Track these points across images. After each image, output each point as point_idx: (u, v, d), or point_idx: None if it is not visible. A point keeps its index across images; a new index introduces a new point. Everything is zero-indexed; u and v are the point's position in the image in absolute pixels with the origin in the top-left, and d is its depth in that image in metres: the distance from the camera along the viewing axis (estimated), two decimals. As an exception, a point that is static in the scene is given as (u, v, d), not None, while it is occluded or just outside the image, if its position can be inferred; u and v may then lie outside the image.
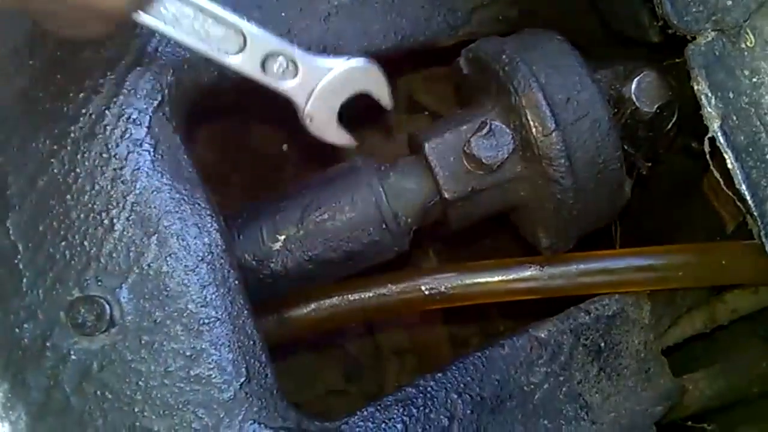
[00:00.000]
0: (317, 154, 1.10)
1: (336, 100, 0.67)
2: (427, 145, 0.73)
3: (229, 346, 0.61)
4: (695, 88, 0.67)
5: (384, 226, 0.73)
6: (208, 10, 0.60)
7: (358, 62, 0.67)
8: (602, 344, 0.75)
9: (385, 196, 0.74)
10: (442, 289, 0.77)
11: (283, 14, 0.74)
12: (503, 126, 0.70)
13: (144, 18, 0.59)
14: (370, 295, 0.78)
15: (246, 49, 0.62)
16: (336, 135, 0.68)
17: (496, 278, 0.77)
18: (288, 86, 0.65)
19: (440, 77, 1.06)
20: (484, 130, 0.70)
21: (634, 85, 0.73)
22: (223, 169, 1.03)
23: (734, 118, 0.66)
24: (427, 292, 0.77)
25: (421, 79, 1.08)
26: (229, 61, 0.62)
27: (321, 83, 0.66)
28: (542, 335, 0.73)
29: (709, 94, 0.66)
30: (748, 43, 0.67)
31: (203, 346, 0.61)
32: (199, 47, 0.61)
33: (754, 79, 0.67)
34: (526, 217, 0.77)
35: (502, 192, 0.73)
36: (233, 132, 1.04)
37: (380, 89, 0.69)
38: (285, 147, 1.09)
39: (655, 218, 0.92)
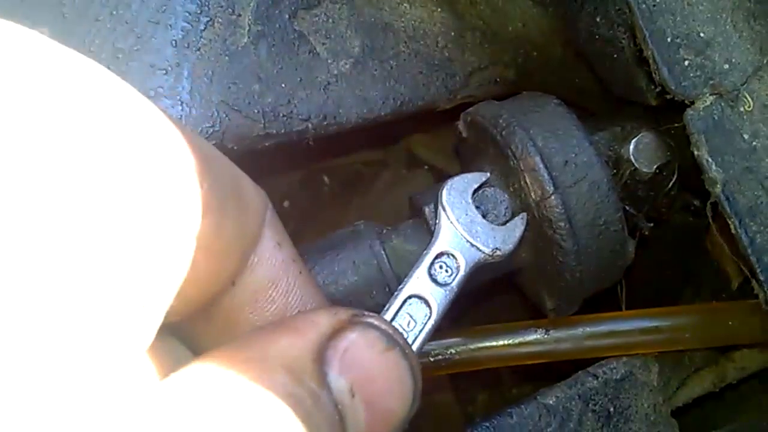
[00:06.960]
0: (320, 210, 1.10)
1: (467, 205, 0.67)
2: (427, 209, 0.73)
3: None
4: (695, 153, 0.66)
5: (387, 289, 0.72)
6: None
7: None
8: (611, 409, 0.74)
9: (387, 259, 0.73)
10: (448, 355, 0.76)
11: (283, 85, 0.74)
12: (502, 190, 0.70)
13: None
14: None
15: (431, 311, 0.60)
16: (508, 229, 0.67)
17: (501, 342, 0.76)
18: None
19: (439, 131, 1.06)
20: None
21: (632, 147, 0.72)
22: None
23: (735, 182, 0.66)
24: (432, 359, 0.76)
25: (420, 133, 1.08)
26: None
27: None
28: (550, 402, 0.72)
29: (710, 160, 0.66)
30: (746, 107, 0.67)
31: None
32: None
33: (754, 143, 0.67)
34: (530, 280, 0.76)
35: (503, 255, 0.73)
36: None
37: None
38: (286, 204, 1.09)
39: (660, 276, 0.92)
